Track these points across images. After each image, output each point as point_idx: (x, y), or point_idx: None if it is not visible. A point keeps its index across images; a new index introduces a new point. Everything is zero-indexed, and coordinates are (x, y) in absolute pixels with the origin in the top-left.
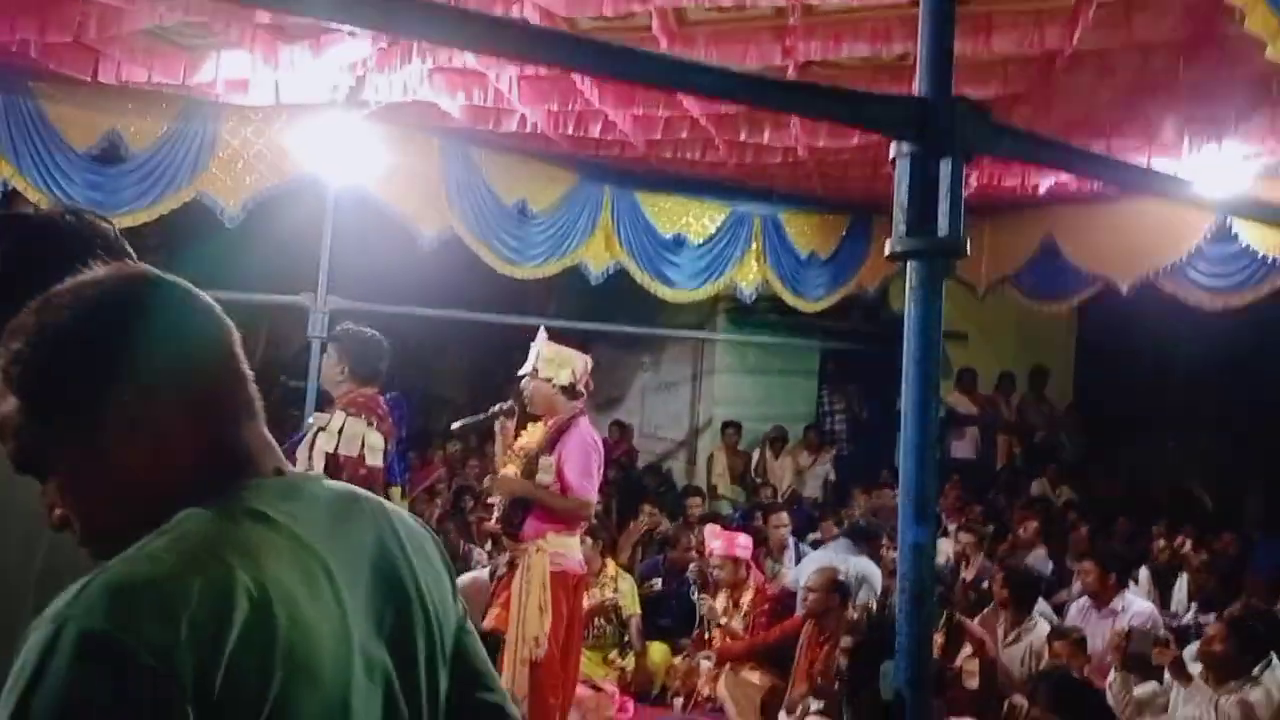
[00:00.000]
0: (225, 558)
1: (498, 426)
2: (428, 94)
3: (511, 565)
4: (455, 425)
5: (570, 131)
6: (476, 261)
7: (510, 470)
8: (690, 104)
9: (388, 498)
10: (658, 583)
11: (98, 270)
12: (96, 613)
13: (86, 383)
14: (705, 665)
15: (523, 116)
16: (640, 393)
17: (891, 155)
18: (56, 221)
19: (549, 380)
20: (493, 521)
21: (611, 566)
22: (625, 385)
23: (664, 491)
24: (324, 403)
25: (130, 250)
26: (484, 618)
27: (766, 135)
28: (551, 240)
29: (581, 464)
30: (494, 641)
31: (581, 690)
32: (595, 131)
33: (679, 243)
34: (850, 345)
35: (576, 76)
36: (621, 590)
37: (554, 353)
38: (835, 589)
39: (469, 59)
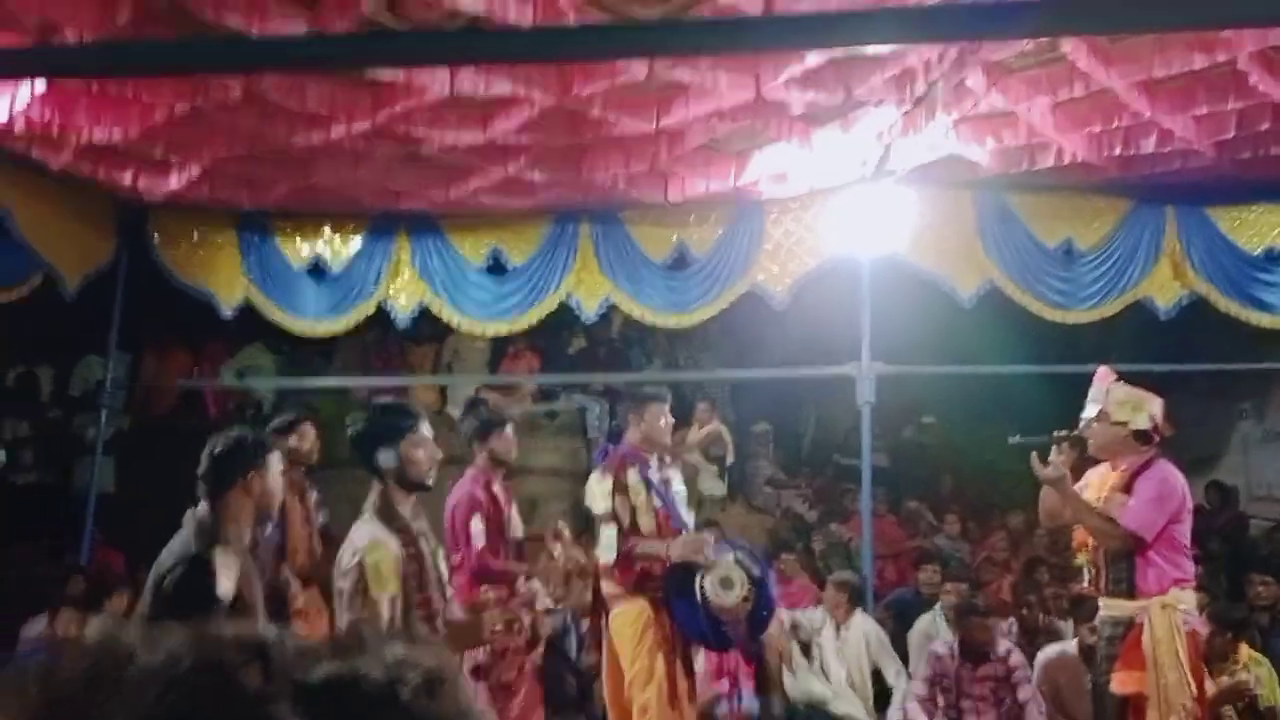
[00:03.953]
0: None
1: (1054, 453)
2: (955, 147)
3: (1129, 625)
4: (1012, 439)
5: (1118, 152)
6: (1023, 312)
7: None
8: (1268, 85)
9: None
10: None
11: None
12: None
13: None
14: None
15: (1059, 148)
16: (1242, 447)
17: None
18: None
19: (1123, 424)
20: (1086, 585)
21: (1244, 650)
22: (1220, 440)
23: None
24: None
25: None
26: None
27: None
28: (1106, 277)
29: (1153, 497)
30: (1118, 703)
31: None
32: (1148, 147)
33: (1273, 259)
34: None
35: (1122, 88)
36: (1258, 676)
37: (1127, 394)
38: None
39: (997, 103)
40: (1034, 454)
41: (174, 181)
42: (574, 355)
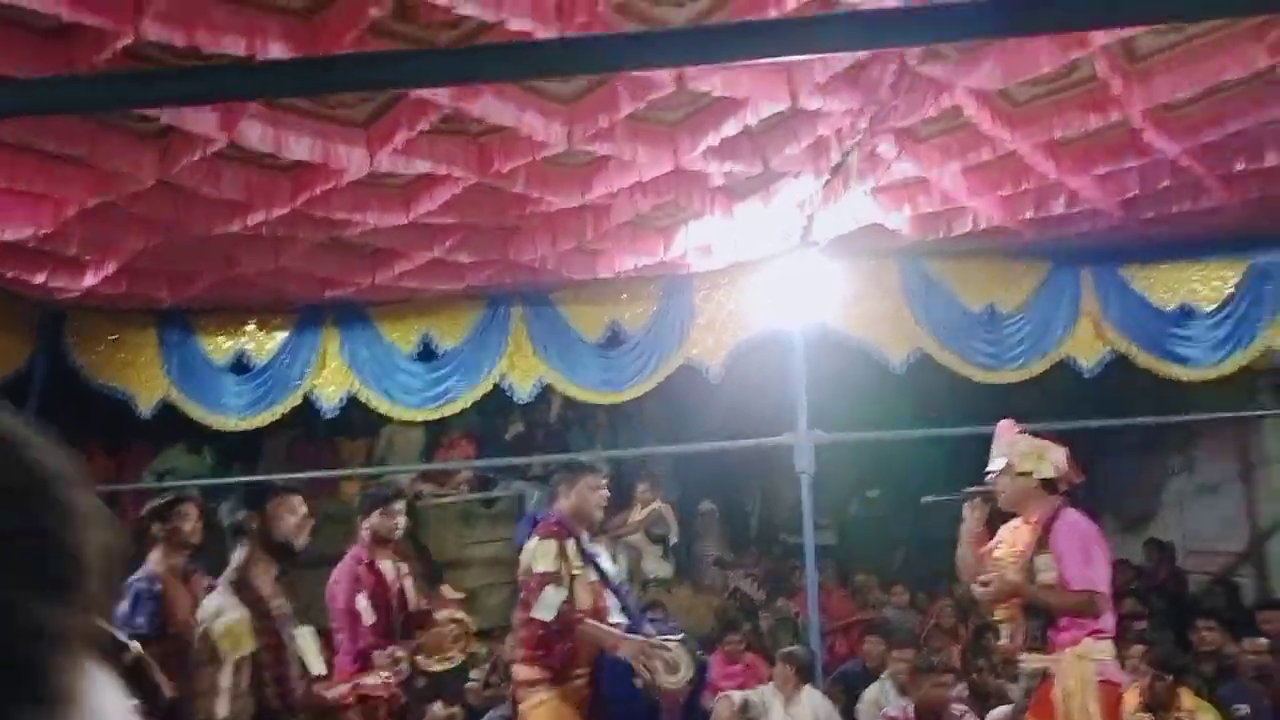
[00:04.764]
0: None
1: (966, 509)
2: (874, 215)
3: (1044, 677)
4: (925, 499)
5: (1030, 215)
6: (956, 376)
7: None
8: (1162, 142)
9: None
10: (1244, 710)
11: None
12: None
13: None
14: None
15: (974, 213)
16: (1176, 502)
17: None
18: None
19: (1028, 474)
20: (1007, 642)
21: (1187, 697)
22: (1153, 496)
23: (1230, 616)
24: None
25: None
26: None
27: (1271, 157)
28: (1031, 338)
29: (1080, 552)
30: None
31: None
32: (1058, 208)
33: (1186, 314)
34: None
35: (1027, 150)
36: None
37: (1030, 445)
38: None
39: (909, 170)
40: (975, 584)
41: (90, 279)
42: (512, 441)
